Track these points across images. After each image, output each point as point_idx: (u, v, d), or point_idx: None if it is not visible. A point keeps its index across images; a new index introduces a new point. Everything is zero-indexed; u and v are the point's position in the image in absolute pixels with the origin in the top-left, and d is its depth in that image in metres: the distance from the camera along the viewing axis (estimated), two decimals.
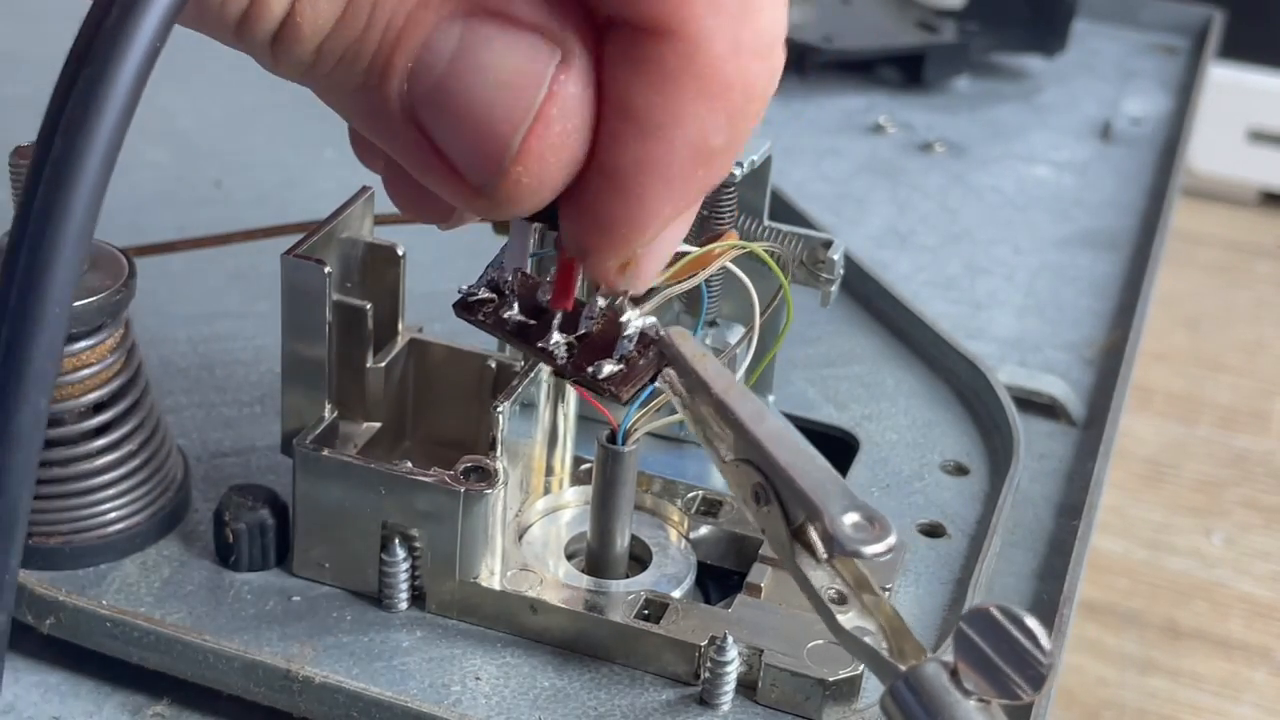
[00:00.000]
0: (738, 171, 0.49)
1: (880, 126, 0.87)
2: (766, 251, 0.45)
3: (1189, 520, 1.43)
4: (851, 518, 0.34)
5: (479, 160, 0.31)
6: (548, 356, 0.38)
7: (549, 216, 0.34)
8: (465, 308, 0.40)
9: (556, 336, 0.38)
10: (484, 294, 0.40)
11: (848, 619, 0.36)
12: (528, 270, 0.39)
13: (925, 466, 0.55)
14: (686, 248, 0.43)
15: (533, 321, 0.39)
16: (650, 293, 0.39)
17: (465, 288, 0.40)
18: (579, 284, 0.38)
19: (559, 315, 0.38)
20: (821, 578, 0.37)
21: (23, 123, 0.78)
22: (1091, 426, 0.60)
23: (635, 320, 0.38)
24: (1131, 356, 0.63)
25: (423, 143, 0.32)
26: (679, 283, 0.42)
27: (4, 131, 0.72)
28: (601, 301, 0.38)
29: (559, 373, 0.39)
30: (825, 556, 0.35)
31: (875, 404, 0.58)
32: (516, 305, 0.39)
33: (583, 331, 0.38)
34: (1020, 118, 0.90)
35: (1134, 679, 1.24)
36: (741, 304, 0.52)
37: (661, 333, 0.38)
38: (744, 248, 0.43)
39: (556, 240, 0.35)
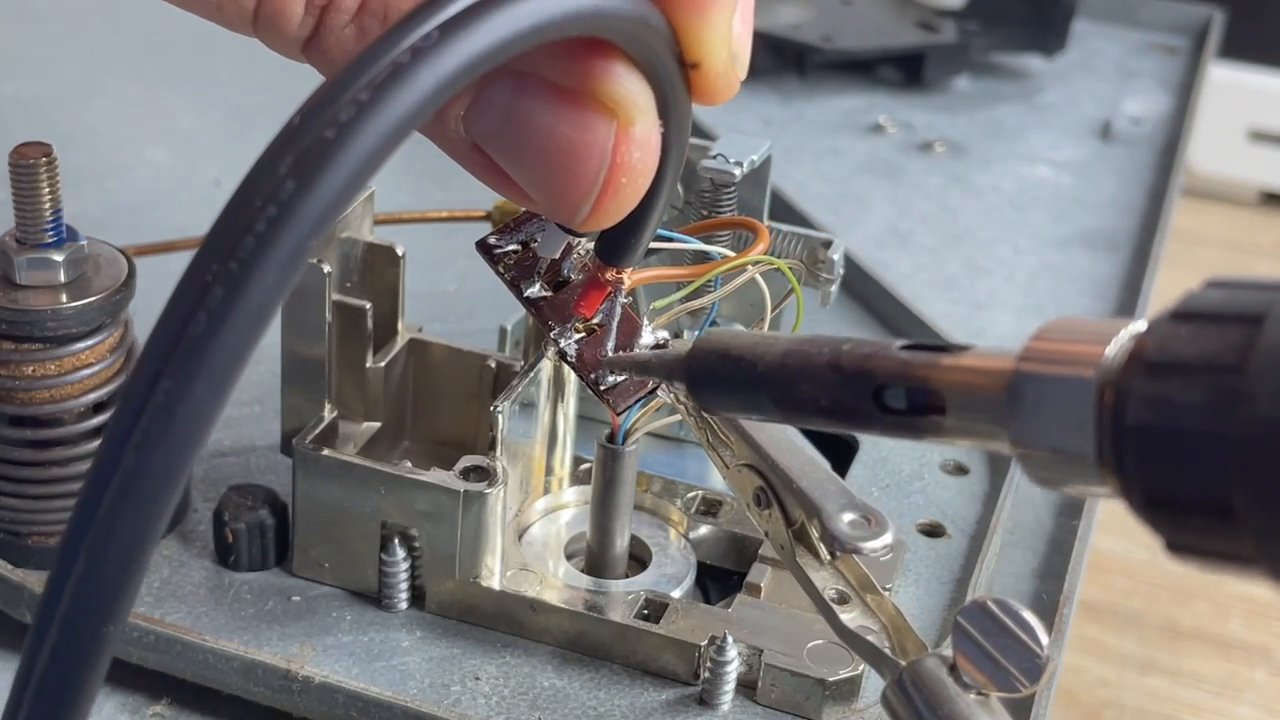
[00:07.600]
0: (738, 172, 0.49)
1: (880, 126, 0.87)
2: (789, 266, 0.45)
3: None
4: (849, 516, 0.35)
5: (554, 211, 0.32)
6: (554, 343, 0.38)
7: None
8: (489, 255, 0.39)
9: (570, 331, 0.38)
10: (511, 247, 0.39)
11: (851, 618, 0.37)
12: (557, 258, 0.39)
13: (925, 466, 0.55)
14: (725, 251, 0.44)
15: (549, 293, 0.39)
16: (669, 306, 0.40)
17: (493, 239, 0.39)
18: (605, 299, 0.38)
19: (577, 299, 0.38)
20: (826, 578, 0.37)
21: (23, 123, 0.78)
22: None
23: (648, 335, 0.39)
24: None
25: (491, 166, 0.32)
26: (700, 295, 0.42)
27: (4, 132, 0.72)
28: (625, 300, 0.38)
29: (561, 356, 0.39)
30: (828, 557, 0.36)
31: None
32: (539, 285, 0.39)
33: (597, 322, 0.38)
34: (1020, 118, 0.90)
35: (1134, 679, 1.24)
36: (739, 305, 0.52)
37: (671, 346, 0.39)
38: (771, 263, 0.44)
39: (594, 254, 0.36)
